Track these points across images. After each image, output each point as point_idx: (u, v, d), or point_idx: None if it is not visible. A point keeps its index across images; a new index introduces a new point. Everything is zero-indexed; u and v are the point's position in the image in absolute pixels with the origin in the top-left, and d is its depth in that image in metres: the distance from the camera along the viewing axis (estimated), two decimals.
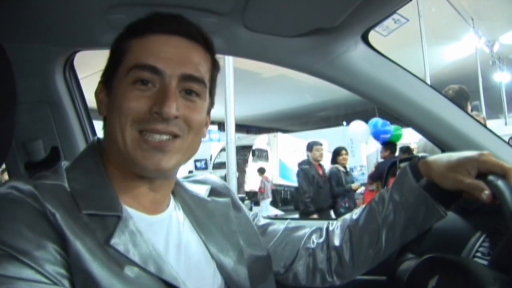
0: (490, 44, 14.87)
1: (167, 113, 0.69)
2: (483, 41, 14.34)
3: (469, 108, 3.38)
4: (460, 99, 3.15)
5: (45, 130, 1.31)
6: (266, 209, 11.56)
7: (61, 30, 1.12)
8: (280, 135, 16.59)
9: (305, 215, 5.54)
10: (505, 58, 16.11)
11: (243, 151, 14.55)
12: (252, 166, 14.38)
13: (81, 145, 1.32)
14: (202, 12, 1.02)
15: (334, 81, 1.19)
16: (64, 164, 0.75)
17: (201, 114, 0.76)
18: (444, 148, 1.16)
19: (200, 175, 1.00)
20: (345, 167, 6.19)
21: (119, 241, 0.65)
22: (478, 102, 12.68)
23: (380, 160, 6.97)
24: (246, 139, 16.49)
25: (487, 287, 0.68)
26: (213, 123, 17.87)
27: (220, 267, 0.80)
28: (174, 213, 0.81)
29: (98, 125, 0.83)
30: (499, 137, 1.13)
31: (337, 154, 6.24)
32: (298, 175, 5.90)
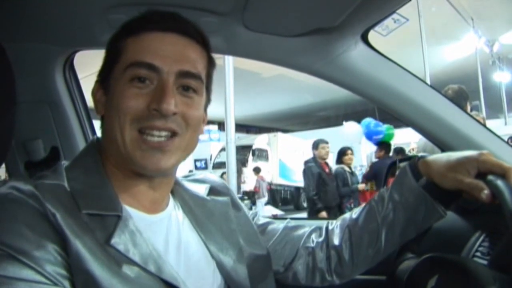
0: (490, 44, 14.90)
1: (166, 110, 0.69)
2: (483, 41, 14.36)
3: (469, 108, 3.38)
4: (460, 99, 3.15)
5: (45, 129, 1.31)
6: (261, 209, 11.54)
7: (61, 30, 1.12)
8: (280, 135, 16.60)
9: (313, 213, 5.47)
10: (505, 58, 16.13)
11: (243, 151, 14.56)
12: (252, 166, 14.39)
13: (81, 145, 1.32)
14: (202, 12, 1.02)
15: (334, 81, 1.19)
16: (64, 163, 0.74)
17: (199, 110, 0.77)
18: (443, 148, 1.16)
19: (199, 174, 1.00)
20: (350, 167, 6.13)
21: (119, 241, 0.65)
22: (478, 102, 12.69)
23: (375, 160, 6.94)
24: (246, 139, 16.50)
25: (487, 286, 0.68)
26: (213, 123, 17.90)
27: (220, 266, 0.80)
28: (173, 212, 0.81)
29: (98, 125, 0.83)
30: (498, 136, 1.13)
31: (342, 154, 6.16)
32: (304, 173, 5.81)
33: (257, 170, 13.01)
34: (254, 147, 15.16)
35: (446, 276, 0.78)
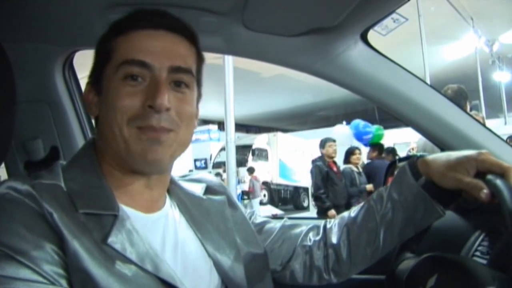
0: (490, 43, 14.90)
1: (160, 105, 0.70)
2: (482, 40, 14.35)
3: (468, 107, 3.38)
4: (459, 99, 3.15)
5: (45, 129, 1.31)
6: (256, 208, 11.54)
7: (61, 29, 1.12)
8: (280, 134, 16.60)
9: (322, 212, 5.44)
10: (505, 58, 16.13)
11: (243, 151, 14.55)
12: (251, 165, 14.38)
13: (81, 145, 1.31)
14: (201, 11, 1.02)
15: (333, 81, 1.19)
16: (61, 163, 0.75)
17: (192, 105, 0.77)
18: (443, 148, 1.16)
19: (196, 174, 1.00)
20: (358, 167, 6.06)
21: (116, 240, 0.65)
22: (477, 101, 12.71)
23: (368, 161, 6.92)
24: (246, 138, 16.49)
25: (486, 286, 0.68)
26: (213, 122, 17.91)
27: (217, 265, 0.80)
28: (170, 211, 0.81)
29: None
30: (498, 136, 1.13)
31: (350, 153, 6.10)
32: (311, 172, 5.76)
33: (251, 170, 12.99)
34: (254, 147, 15.15)
35: (445, 276, 0.78)
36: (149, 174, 0.76)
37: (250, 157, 14.80)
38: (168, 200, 0.83)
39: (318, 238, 0.97)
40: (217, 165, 14.90)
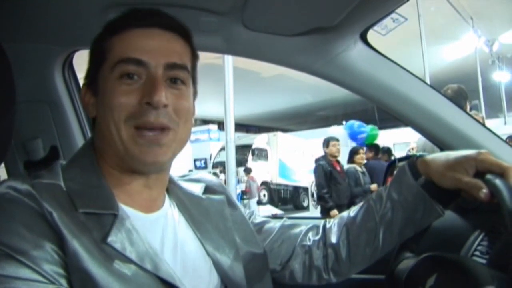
0: (490, 43, 14.91)
1: (157, 102, 0.70)
2: (482, 40, 14.37)
3: (468, 107, 3.38)
4: (459, 99, 3.15)
5: (44, 129, 1.31)
6: (254, 208, 11.53)
7: (60, 29, 1.12)
8: (279, 134, 16.58)
9: (325, 212, 5.41)
10: (505, 58, 16.13)
11: (243, 151, 14.54)
12: (251, 165, 14.37)
13: (80, 144, 1.31)
14: (201, 11, 1.02)
15: (333, 80, 1.19)
16: (60, 163, 0.75)
17: (188, 102, 0.78)
18: (443, 147, 1.16)
19: (195, 174, 1.00)
20: (362, 167, 6.02)
21: (115, 239, 0.65)
22: (477, 101, 12.71)
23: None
24: (245, 138, 16.48)
25: (485, 285, 0.68)
26: (212, 122, 17.90)
27: (216, 264, 0.80)
28: (169, 211, 0.81)
29: None
30: (497, 136, 1.13)
31: (354, 153, 6.07)
32: (315, 171, 5.73)
33: (247, 171, 12.97)
34: (253, 147, 15.14)
35: (445, 275, 0.78)
36: (148, 173, 0.76)
37: (250, 157, 14.79)
38: (167, 199, 0.83)
39: (317, 238, 0.97)
40: (215, 165, 14.87)
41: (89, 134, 1.37)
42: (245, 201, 12.39)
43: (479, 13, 12.71)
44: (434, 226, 0.91)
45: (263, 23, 1.06)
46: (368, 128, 8.28)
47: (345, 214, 0.98)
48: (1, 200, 0.62)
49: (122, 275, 0.63)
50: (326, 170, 5.48)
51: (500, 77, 16.34)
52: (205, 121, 18.61)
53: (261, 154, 15.28)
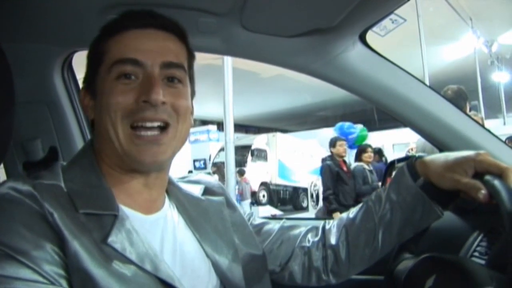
0: (489, 44, 14.93)
1: (155, 99, 0.70)
2: (481, 41, 14.39)
3: (468, 108, 3.39)
4: (459, 100, 3.15)
5: (44, 130, 1.31)
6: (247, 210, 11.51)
7: (60, 30, 1.12)
8: (279, 135, 16.57)
9: (329, 213, 5.36)
10: (504, 58, 16.15)
11: (242, 151, 14.53)
12: (251, 166, 14.36)
13: (79, 145, 1.32)
14: (200, 12, 1.02)
15: (332, 81, 1.19)
16: (61, 164, 0.75)
17: (186, 100, 0.78)
18: (442, 148, 1.16)
19: (194, 175, 1.00)
20: (369, 165, 5.93)
21: (116, 240, 0.66)
22: (476, 102, 12.72)
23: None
24: (245, 139, 16.48)
25: (484, 286, 0.68)
26: (212, 123, 17.89)
27: (215, 266, 0.80)
28: (169, 212, 0.81)
29: None
30: (496, 136, 1.13)
31: (362, 151, 6.01)
32: (321, 171, 5.68)
33: (241, 172, 12.94)
34: (253, 147, 15.14)
35: (444, 276, 0.78)
36: (147, 172, 0.76)
37: (249, 157, 14.78)
38: (167, 201, 0.83)
39: (316, 239, 0.97)
40: (213, 165, 14.84)
41: (88, 135, 1.37)
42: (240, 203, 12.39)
43: (478, 13, 12.73)
44: (433, 227, 0.91)
45: (262, 24, 1.06)
46: (357, 129, 8.33)
47: (344, 215, 0.98)
48: (2, 201, 0.62)
49: (122, 276, 0.63)
50: (334, 171, 5.42)
51: (499, 77, 16.37)
52: (205, 122, 18.59)
53: (260, 154, 15.27)
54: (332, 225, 0.98)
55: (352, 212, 0.97)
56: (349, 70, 1.14)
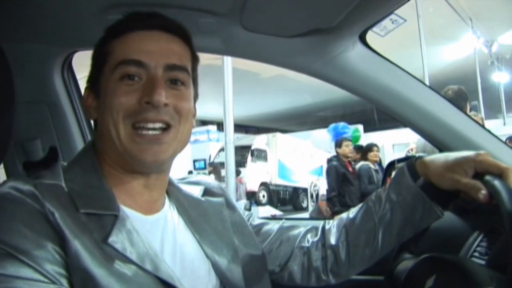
0: (489, 44, 14.94)
1: (158, 101, 0.71)
2: (481, 41, 14.40)
3: (468, 108, 3.39)
4: (459, 100, 3.15)
5: (44, 130, 1.31)
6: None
7: (60, 30, 1.12)
8: (279, 135, 16.56)
9: (332, 215, 5.28)
10: (504, 58, 16.16)
11: (242, 151, 14.52)
12: (251, 166, 14.35)
13: (79, 145, 1.32)
14: (200, 12, 1.02)
15: (331, 81, 1.19)
16: (61, 164, 0.75)
17: (189, 102, 0.78)
18: (442, 148, 1.16)
19: (194, 176, 1.01)
20: (375, 164, 5.88)
21: (116, 239, 0.66)
22: (476, 102, 12.73)
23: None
24: (245, 139, 16.47)
25: (484, 286, 0.68)
26: (212, 123, 17.89)
27: (215, 266, 0.80)
28: (169, 213, 0.81)
29: None
30: (496, 137, 1.13)
31: (368, 150, 5.98)
32: (327, 172, 5.66)
33: (236, 173, 12.95)
34: (253, 148, 15.13)
35: (444, 276, 0.78)
36: (148, 173, 0.77)
37: (249, 157, 14.78)
38: (167, 201, 0.84)
39: (316, 239, 0.97)
40: (209, 165, 14.83)
41: (88, 135, 1.37)
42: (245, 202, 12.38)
43: (478, 14, 12.74)
44: (433, 227, 0.91)
45: (261, 24, 1.06)
46: (351, 130, 8.39)
47: (344, 215, 0.98)
48: (3, 200, 0.62)
49: (122, 275, 0.63)
50: (340, 172, 5.41)
51: (499, 78, 16.38)
52: (204, 122, 18.59)
53: (260, 155, 15.26)
54: (332, 225, 0.98)
55: (352, 212, 0.97)
56: (349, 70, 1.14)
